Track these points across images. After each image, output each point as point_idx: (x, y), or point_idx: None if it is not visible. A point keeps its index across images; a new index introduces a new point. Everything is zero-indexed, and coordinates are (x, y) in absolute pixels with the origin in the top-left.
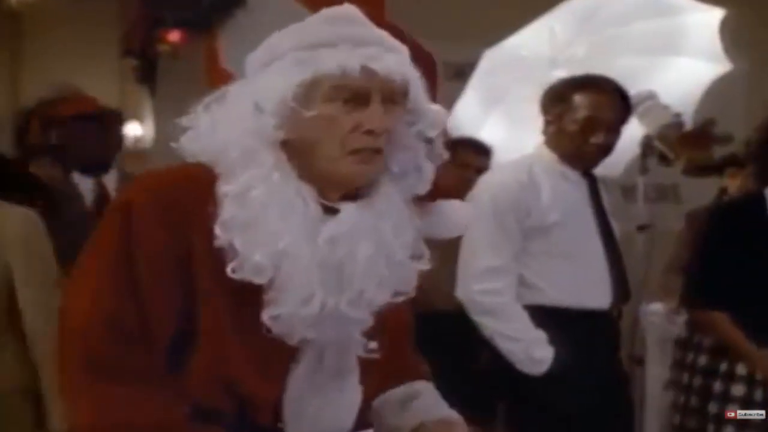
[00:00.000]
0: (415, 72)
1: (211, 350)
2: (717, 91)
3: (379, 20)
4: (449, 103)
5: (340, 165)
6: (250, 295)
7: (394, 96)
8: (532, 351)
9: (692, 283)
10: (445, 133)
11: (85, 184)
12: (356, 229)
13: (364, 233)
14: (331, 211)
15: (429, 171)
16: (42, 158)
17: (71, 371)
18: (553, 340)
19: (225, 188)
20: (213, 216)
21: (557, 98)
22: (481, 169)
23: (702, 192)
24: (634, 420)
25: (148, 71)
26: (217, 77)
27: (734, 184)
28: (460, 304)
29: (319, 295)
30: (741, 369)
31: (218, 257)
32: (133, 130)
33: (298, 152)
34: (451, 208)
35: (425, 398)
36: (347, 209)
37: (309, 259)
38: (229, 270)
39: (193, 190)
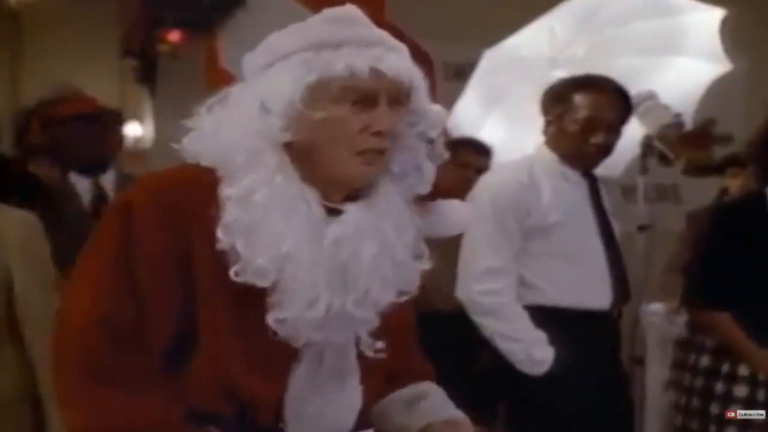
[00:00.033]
0: (419, 72)
1: (211, 352)
2: (717, 91)
3: (379, 20)
4: (449, 103)
5: (346, 166)
6: (251, 297)
7: (399, 97)
8: (533, 351)
9: (694, 284)
10: (445, 133)
11: (82, 185)
12: (360, 230)
13: (367, 233)
14: (333, 212)
15: (430, 171)
16: (40, 158)
17: (67, 373)
18: (553, 341)
19: (228, 191)
20: (214, 218)
21: (557, 98)
22: (482, 169)
23: (702, 192)
24: (634, 420)
25: (148, 71)
26: (217, 77)
27: (735, 184)
28: (460, 305)
29: (325, 297)
30: (743, 370)
31: (219, 259)
32: (132, 130)
33: (302, 154)
34: (450, 207)
35: (432, 399)
36: (351, 210)
37: (313, 261)
38: (231, 273)
39: (193, 191)
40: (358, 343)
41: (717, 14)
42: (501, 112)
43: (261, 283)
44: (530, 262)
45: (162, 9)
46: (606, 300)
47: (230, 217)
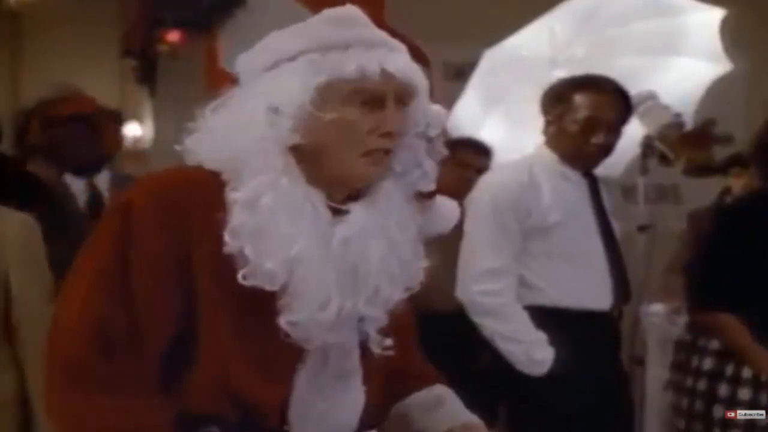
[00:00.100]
0: (421, 72)
1: (212, 353)
2: (717, 91)
3: (377, 20)
4: (449, 103)
5: (354, 167)
6: (254, 299)
7: (403, 97)
8: (533, 352)
9: (698, 285)
10: (445, 132)
11: (76, 185)
12: (366, 230)
13: (374, 233)
14: (337, 212)
15: (432, 168)
16: (40, 158)
17: (55, 378)
18: (553, 341)
19: (234, 195)
20: (218, 220)
21: (557, 98)
22: (482, 170)
23: (703, 192)
24: (634, 420)
25: (147, 71)
26: (216, 78)
27: (739, 183)
28: (460, 305)
29: (336, 299)
30: (747, 372)
31: (220, 261)
32: (132, 130)
33: (308, 155)
34: (442, 204)
35: (451, 404)
36: (356, 210)
37: (322, 263)
38: (240, 277)
39: (193, 192)
40: (361, 343)
41: (717, 14)
42: (501, 112)
43: (270, 287)
44: (530, 263)
45: (162, 9)
46: (606, 300)
47: (237, 221)
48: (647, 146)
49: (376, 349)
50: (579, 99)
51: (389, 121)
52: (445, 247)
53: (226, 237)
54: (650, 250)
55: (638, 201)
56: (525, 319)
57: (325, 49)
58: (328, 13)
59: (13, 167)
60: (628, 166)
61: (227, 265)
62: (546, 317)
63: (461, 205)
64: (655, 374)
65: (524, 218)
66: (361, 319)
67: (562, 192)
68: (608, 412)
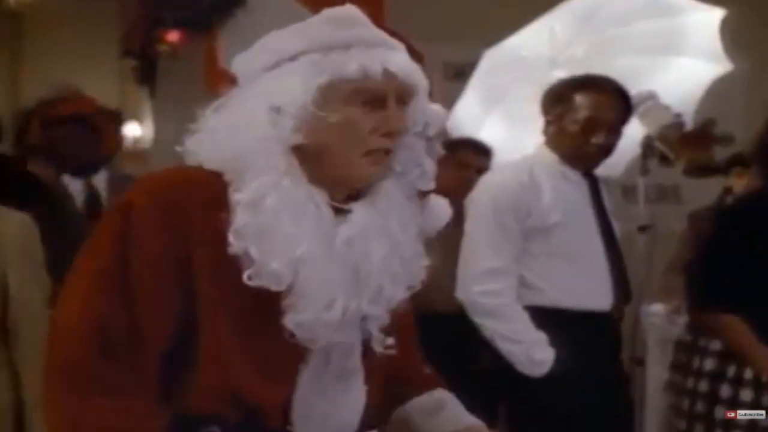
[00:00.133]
0: (421, 72)
1: (213, 354)
2: (717, 91)
3: (375, 20)
4: (449, 103)
5: (355, 166)
6: (256, 300)
7: (403, 96)
8: (533, 353)
9: (700, 286)
10: (444, 132)
11: (74, 185)
12: (368, 229)
13: (376, 233)
14: (338, 212)
15: (431, 167)
16: (37, 158)
17: (53, 376)
18: (553, 341)
19: (237, 196)
20: (219, 221)
21: (558, 98)
22: (482, 170)
23: (703, 192)
24: (634, 420)
25: (147, 71)
26: (216, 78)
27: (740, 183)
28: (460, 305)
29: (341, 299)
30: (748, 373)
31: (222, 261)
32: (132, 130)
33: (309, 155)
34: (435, 203)
35: (453, 408)
36: (358, 210)
37: (326, 263)
38: (245, 277)
39: (193, 192)
40: (363, 342)
41: (717, 14)
42: (501, 112)
43: (276, 287)
44: (531, 263)
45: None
46: (607, 301)
47: (241, 222)
48: (647, 146)
49: (378, 348)
50: (579, 99)
51: (391, 121)
52: (446, 247)
53: (231, 238)
54: (650, 251)
55: (638, 201)
56: (525, 319)
57: (327, 50)
58: (328, 13)
59: (14, 167)
60: (628, 166)
61: (228, 265)
62: (546, 317)
63: (462, 205)
64: (655, 374)
65: (524, 218)
66: (364, 318)
67: (562, 192)
68: (608, 413)
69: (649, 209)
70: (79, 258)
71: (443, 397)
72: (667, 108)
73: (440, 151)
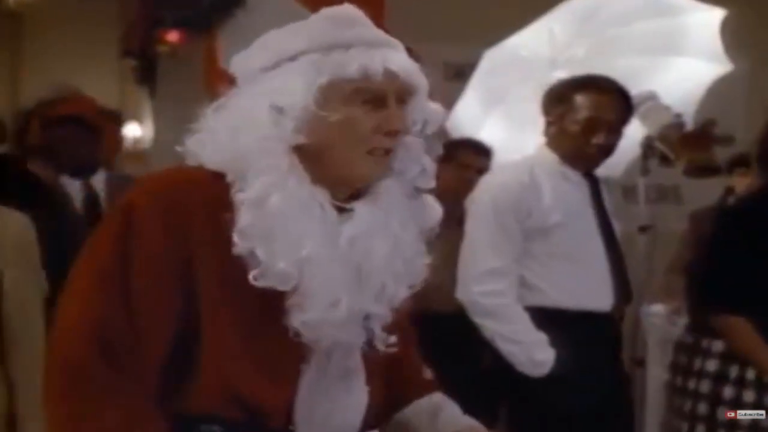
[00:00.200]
0: (421, 71)
1: (214, 354)
2: (717, 91)
3: (376, 20)
4: (449, 103)
5: (357, 166)
6: (257, 300)
7: (403, 96)
8: (533, 353)
9: (703, 287)
10: (444, 133)
11: (72, 186)
12: (371, 228)
13: (378, 232)
14: (341, 211)
15: (431, 166)
16: (37, 159)
17: (53, 376)
18: (554, 342)
19: (241, 196)
20: (220, 221)
21: (558, 99)
22: (482, 170)
23: (703, 193)
24: (634, 420)
25: (147, 72)
26: (216, 78)
27: (742, 183)
28: (460, 305)
29: (346, 298)
30: (751, 374)
31: (222, 261)
32: (132, 130)
33: (310, 155)
34: (427, 201)
35: (450, 410)
36: (360, 209)
37: (330, 262)
38: (251, 278)
39: (194, 192)
40: (365, 343)
41: (717, 14)
42: (501, 112)
43: (282, 287)
44: (531, 263)
45: (162, 9)
46: (607, 301)
47: (245, 222)
48: (648, 147)
49: (380, 347)
50: (580, 99)
51: (392, 120)
52: (446, 247)
53: (235, 238)
54: (651, 251)
55: (639, 201)
56: (525, 319)
57: (327, 49)
58: (327, 12)
59: (14, 167)
60: (628, 166)
61: (230, 265)
62: (547, 318)
63: (462, 205)
64: (656, 375)
65: (525, 219)
66: (367, 317)
67: (562, 192)
68: (609, 413)
69: (649, 209)
70: (80, 258)
71: (439, 400)
72: (667, 108)
73: (439, 150)
